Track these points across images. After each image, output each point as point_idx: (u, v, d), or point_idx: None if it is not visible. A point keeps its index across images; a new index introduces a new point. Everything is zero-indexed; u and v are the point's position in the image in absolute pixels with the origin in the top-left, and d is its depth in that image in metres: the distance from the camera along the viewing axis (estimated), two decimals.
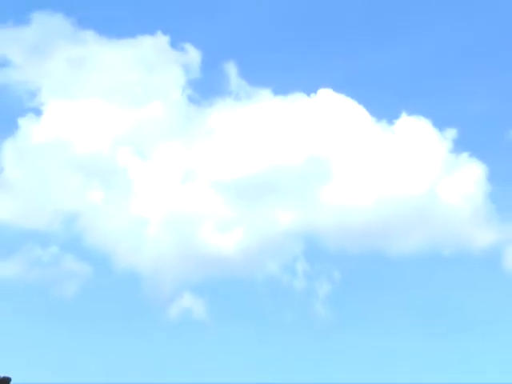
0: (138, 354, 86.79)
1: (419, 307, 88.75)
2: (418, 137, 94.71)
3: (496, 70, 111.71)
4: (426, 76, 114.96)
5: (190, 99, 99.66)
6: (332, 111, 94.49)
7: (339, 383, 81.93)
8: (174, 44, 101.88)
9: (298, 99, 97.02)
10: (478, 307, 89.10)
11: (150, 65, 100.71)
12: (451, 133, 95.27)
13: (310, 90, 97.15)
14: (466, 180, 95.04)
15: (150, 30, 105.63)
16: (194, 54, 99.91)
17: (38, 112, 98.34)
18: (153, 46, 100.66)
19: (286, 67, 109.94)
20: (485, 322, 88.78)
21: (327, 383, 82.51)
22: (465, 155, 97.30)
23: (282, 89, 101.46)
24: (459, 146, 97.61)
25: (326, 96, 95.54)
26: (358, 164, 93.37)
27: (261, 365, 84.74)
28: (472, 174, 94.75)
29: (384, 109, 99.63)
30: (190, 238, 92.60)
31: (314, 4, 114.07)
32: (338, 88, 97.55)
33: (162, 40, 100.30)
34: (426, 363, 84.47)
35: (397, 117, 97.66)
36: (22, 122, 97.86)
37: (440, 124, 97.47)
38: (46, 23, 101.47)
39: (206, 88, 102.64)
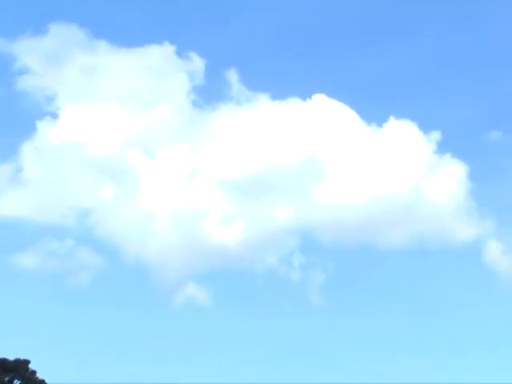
0: (146, 338, 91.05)
1: (406, 295, 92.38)
2: (404, 139, 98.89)
3: (477, 78, 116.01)
4: (412, 83, 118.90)
5: (195, 104, 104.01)
6: (326, 115, 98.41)
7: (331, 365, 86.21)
8: (180, 53, 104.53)
9: (294, 104, 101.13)
10: (459, 295, 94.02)
11: (158, 72, 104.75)
12: (435, 135, 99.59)
13: (305, 95, 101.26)
14: (448, 179, 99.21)
15: (157, 40, 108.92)
16: (198, 62, 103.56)
17: (54, 116, 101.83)
18: (160, 55, 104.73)
19: (283, 74, 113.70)
20: (466, 308, 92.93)
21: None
22: (448, 156, 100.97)
23: (279, 94, 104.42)
24: (443, 147, 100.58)
25: (320, 101, 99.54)
26: (350, 164, 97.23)
27: (259, 348, 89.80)
28: (454, 173, 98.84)
29: (373, 113, 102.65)
30: (194, 231, 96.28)
31: (308, 17, 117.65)
32: (331, 93, 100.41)
33: (168, 49, 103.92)
34: (411, 345, 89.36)
35: (385, 120, 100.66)
36: (40, 124, 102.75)
37: (425, 127, 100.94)
38: (62, 34, 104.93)
39: (209, 93, 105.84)
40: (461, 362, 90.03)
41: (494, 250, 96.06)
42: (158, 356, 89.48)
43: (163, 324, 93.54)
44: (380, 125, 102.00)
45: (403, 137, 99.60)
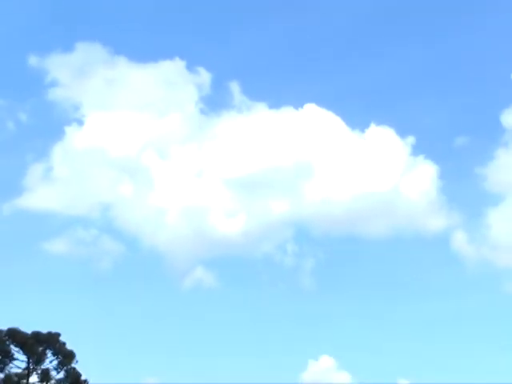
0: (160, 315, 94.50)
1: (385, 279, 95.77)
2: (384, 143, 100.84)
3: (446, 90, 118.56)
4: (390, 94, 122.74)
5: (202, 112, 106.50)
6: (315, 122, 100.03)
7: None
8: (189, 67, 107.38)
9: (288, 112, 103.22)
10: (430, 278, 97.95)
11: (170, 84, 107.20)
12: (410, 140, 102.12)
13: (297, 104, 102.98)
14: (421, 177, 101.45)
15: (169, 56, 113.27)
16: (205, 76, 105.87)
17: (80, 122, 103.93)
18: (172, 69, 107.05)
19: (278, 86, 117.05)
20: (435, 290, 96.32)
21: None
22: (421, 158, 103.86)
23: (275, 103, 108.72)
24: (417, 150, 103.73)
25: (311, 109, 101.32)
26: (337, 165, 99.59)
27: (257, 324, 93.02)
28: (427, 172, 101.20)
29: (357, 120, 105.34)
30: (201, 223, 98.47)
31: (300, 37, 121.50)
32: (320, 103, 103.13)
33: (179, 64, 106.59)
34: (387, 324, 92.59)
35: (367, 126, 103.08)
36: (68, 130, 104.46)
37: (401, 132, 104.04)
38: (87, 51, 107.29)
39: (214, 103, 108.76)
40: (430, 338, 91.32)
41: (460, 240, 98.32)
42: (171, 329, 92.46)
43: (175, 303, 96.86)
44: (362, 130, 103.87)
45: (383, 141, 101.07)
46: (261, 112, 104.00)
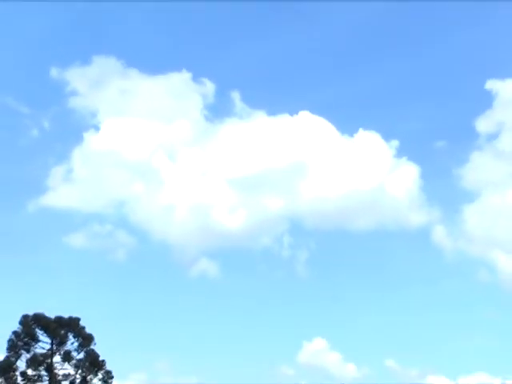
0: (168, 301, 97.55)
1: (371, 269, 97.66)
2: (370, 146, 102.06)
3: (427, 98, 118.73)
4: (376, 102, 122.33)
5: (206, 118, 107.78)
6: (309, 127, 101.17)
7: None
8: (195, 78, 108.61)
9: (284, 118, 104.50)
10: (412, 269, 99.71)
11: (177, 93, 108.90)
12: (394, 143, 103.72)
13: (292, 111, 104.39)
14: (404, 177, 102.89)
15: (177, 68, 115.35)
16: (209, 86, 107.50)
17: (97, 128, 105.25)
18: (179, 80, 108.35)
19: (275, 95, 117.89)
20: (417, 279, 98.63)
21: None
22: (404, 159, 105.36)
23: (272, 111, 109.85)
24: (400, 152, 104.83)
25: (305, 116, 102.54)
26: (328, 166, 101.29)
27: (256, 309, 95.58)
28: (409, 173, 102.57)
29: (346, 125, 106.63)
30: (206, 218, 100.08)
31: (295, 50, 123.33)
32: (313, 110, 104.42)
33: (185, 75, 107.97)
34: (374, 308, 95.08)
35: (356, 131, 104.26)
36: (86, 135, 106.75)
37: (386, 137, 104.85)
38: (102, 64, 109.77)
39: (217, 110, 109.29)
40: (413, 321, 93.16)
41: (439, 233, 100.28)
42: (178, 314, 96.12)
43: (181, 290, 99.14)
44: (351, 135, 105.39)
45: (369, 144, 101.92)
46: (259, 118, 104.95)
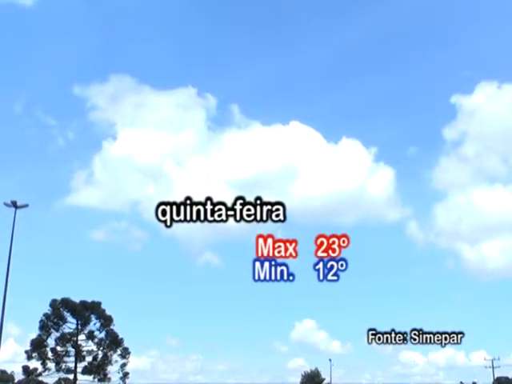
0: (177, 287, 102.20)
1: (353, 258, 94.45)
2: (353, 152, 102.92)
3: (401, 110, 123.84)
4: (358, 114, 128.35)
5: (209, 128, 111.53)
6: (299, 135, 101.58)
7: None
8: (199, 93, 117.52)
9: (277, 128, 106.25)
10: (389, 257, 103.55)
11: (184, 107, 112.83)
12: (373, 149, 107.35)
13: (285, 121, 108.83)
14: (382, 179, 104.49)
15: (184, 84, 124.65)
16: (211, 100, 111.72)
17: (114, 137, 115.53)
18: (186, 95, 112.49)
19: (269, 108, 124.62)
20: (393, 267, 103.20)
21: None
22: (381, 163, 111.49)
23: (267, 121, 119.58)
24: (378, 157, 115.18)
25: (295, 126, 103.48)
26: (316, 169, 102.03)
27: (254, 294, 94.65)
28: (386, 175, 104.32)
29: (332, 134, 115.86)
30: None
31: (285, 71, 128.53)
32: (303, 121, 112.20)
33: (191, 91, 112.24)
34: (356, 293, 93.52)
35: (340, 139, 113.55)
36: (105, 143, 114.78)
37: (367, 144, 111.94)
38: (118, 81, 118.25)
39: (219, 121, 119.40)
40: (389, 304, 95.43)
41: (412, 228, 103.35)
42: (186, 298, 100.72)
43: (189, 278, 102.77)
44: (336, 142, 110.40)
45: (352, 150, 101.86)
46: (256, 128, 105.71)
